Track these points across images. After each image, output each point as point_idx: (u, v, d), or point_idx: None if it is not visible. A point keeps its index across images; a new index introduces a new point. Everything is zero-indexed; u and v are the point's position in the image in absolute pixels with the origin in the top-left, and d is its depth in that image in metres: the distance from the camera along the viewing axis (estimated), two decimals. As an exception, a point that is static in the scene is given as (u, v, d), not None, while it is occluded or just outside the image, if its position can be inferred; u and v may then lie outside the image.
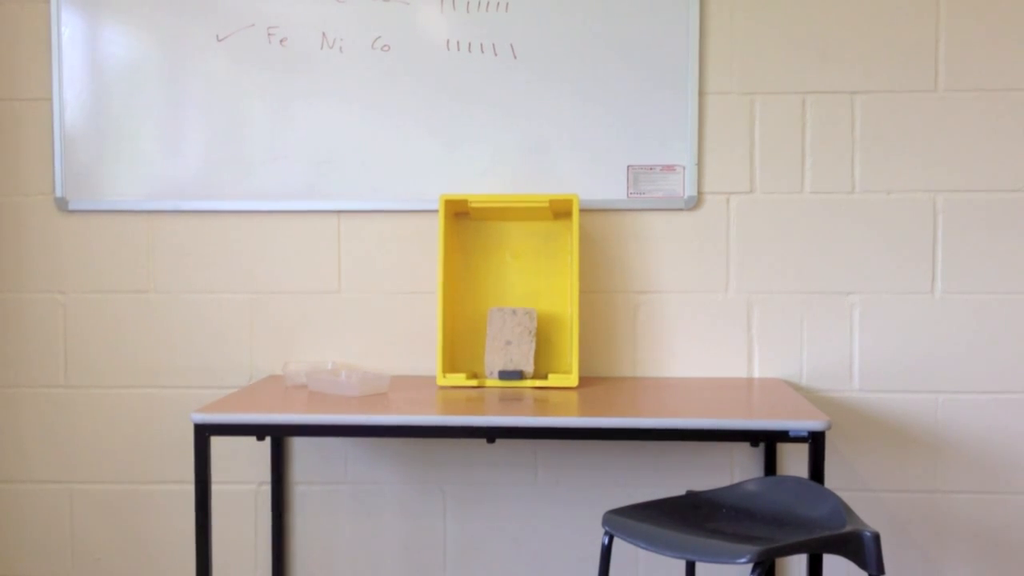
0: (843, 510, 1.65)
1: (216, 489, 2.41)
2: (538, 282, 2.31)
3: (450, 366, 2.26)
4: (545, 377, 2.24)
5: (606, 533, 1.69)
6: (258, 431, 1.84)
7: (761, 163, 2.31)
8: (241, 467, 2.40)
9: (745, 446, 2.34)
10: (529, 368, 2.18)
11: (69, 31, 2.36)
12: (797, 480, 1.79)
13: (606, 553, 1.70)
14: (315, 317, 2.38)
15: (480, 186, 2.33)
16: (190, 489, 2.42)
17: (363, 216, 2.36)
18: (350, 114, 2.33)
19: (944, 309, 2.29)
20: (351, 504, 2.39)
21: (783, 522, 1.71)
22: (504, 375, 2.17)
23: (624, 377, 2.33)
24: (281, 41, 2.33)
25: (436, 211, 2.34)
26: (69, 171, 2.38)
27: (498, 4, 2.30)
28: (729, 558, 1.46)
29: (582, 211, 2.33)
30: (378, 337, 2.38)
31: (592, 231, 2.34)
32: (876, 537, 1.53)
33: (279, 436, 2.38)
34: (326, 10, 2.32)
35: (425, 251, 2.37)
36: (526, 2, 2.30)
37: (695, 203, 2.31)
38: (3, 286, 2.42)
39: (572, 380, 2.15)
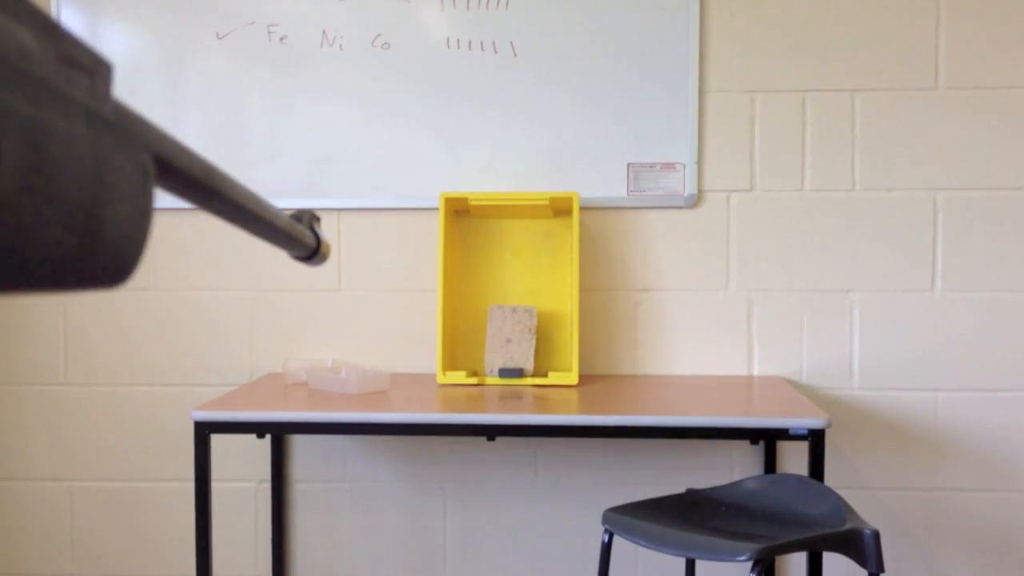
0: (843, 508, 1.65)
1: (216, 487, 2.41)
2: (538, 280, 2.31)
3: (450, 364, 2.26)
4: (545, 375, 2.24)
5: (606, 531, 1.69)
6: (258, 429, 1.84)
7: (761, 161, 2.30)
8: (241, 465, 2.40)
9: (745, 444, 2.34)
10: (529, 366, 2.18)
11: (69, 29, 2.35)
12: (797, 478, 1.79)
13: (606, 551, 1.70)
14: (315, 315, 2.38)
15: (480, 184, 2.33)
16: (190, 487, 2.42)
17: (363, 214, 2.36)
18: (350, 112, 2.33)
19: (944, 307, 2.29)
20: (351, 502, 2.39)
21: (783, 520, 1.71)
22: (504, 373, 2.17)
23: (624, 375, 2.33)
24: (281, 39, 2.33)
25: (436, 209, 2.34)
26: (69, 169, 2.37)
27: (498, 2, 2.30)
28: (729, 556, 1.46)
29: (582, 209, 2.33)
30: (378, 335, 2.38)
31: (592, 229, 2.34)
32: (876, 535, 1.53)
33: (279, 434, 2.38)
34: (326, 8, 2.32)
35: (425, 249, 2.36)
36: (526, 0, 2.29)
37: (695, 201, 2.31)
38: (3, 284, 2.41)
39: (572, 378, 2.15)
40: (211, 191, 0.47)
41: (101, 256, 0.32)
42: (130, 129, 0.35)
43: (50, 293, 0.30)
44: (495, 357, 2.19)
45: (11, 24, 0.27)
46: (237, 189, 0.51)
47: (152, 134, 0.38)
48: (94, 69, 0.32)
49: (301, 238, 0.68)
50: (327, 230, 2.37)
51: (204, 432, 1.83)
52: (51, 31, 0.29)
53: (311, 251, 0.72)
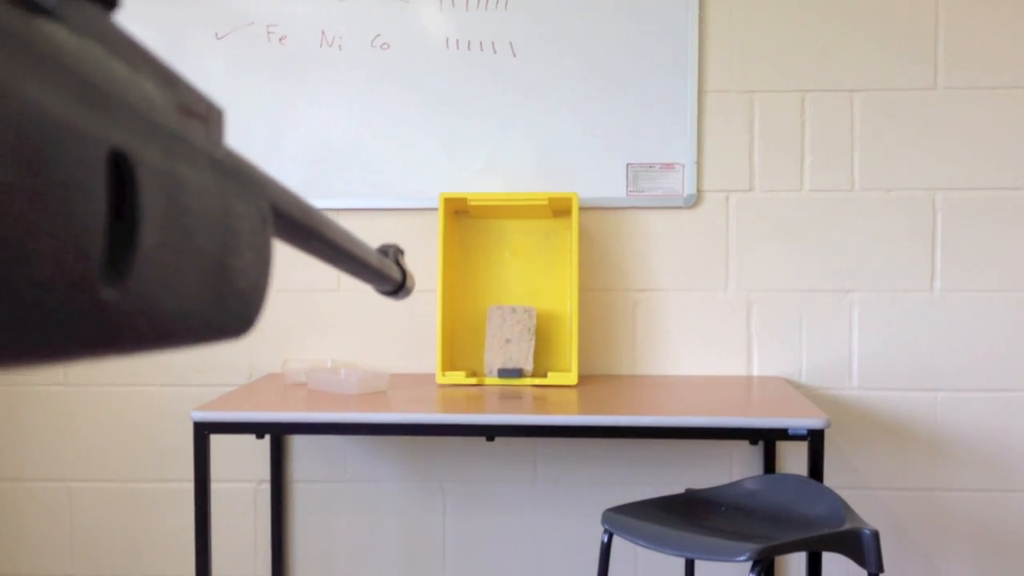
0: (842, 508, 1.65)
1: (216, 487, 2.41)
2: (537, 280, 2.31)
3: (449, 364, 2.26)
4: (544, 375, 2.24)
5: (605, 531, 1.69)
6: (257, 429, 1.84)
7: (760, 161, 2.30)
8: (241, 465, 2.40)
9: (744, 444, 2.34)
10: (528, 366, 2.18)
11: (68, 29, 2.35)
12: (796, 478, 1.79)
13: (605, 551, 1.70)
14: (314, 315, 2.38)
15: (479, 184, 2.33)
16: (190, 487, 2.42)
17: (362, 214, 2.36)
18: (349, 112, 2.33)
19: (943, 307, 2.29)
20: (351, 502, 2.39)
21: (782, 520, 1.71)
22: (503, 373, 2.17)
23: (623, 375, 2.33)
24: (280, 39, 2.33)
25: (435, 209, 2.34)
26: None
27: (497, 2, 2.30)
28: (728, 556, 1.46)
29: (581, 209, 2.33)
30: (377, 335, 2.38)
31: (591, 229, 2.34)
32: (875, 535, 1.53)
33: (278, 434, 2.38)
34: (325, 8, 2.32)
35: (424, 249, 2.37)
36: (525, 0, 2.29)
37: (694, 201, 2.31)
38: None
39: (571, 378, 2.15)
40: (312, 232, 0.47)
41: (230, 307, 0.32)
42: (247, 175, 0.34)
43: (183, 349, 0.30)
44: (494, 357, 2.19)
45: (136, 74, 0.26)
46: (334, 229, 0.50)
47: (263, 179, 0.38)
48: (208, 116, 0.31)
49: (389, 274, 0.68)
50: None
51: (203, 432, 1.83)
52: (169, 79, 0.29)
53: (397, 285, 0.72)
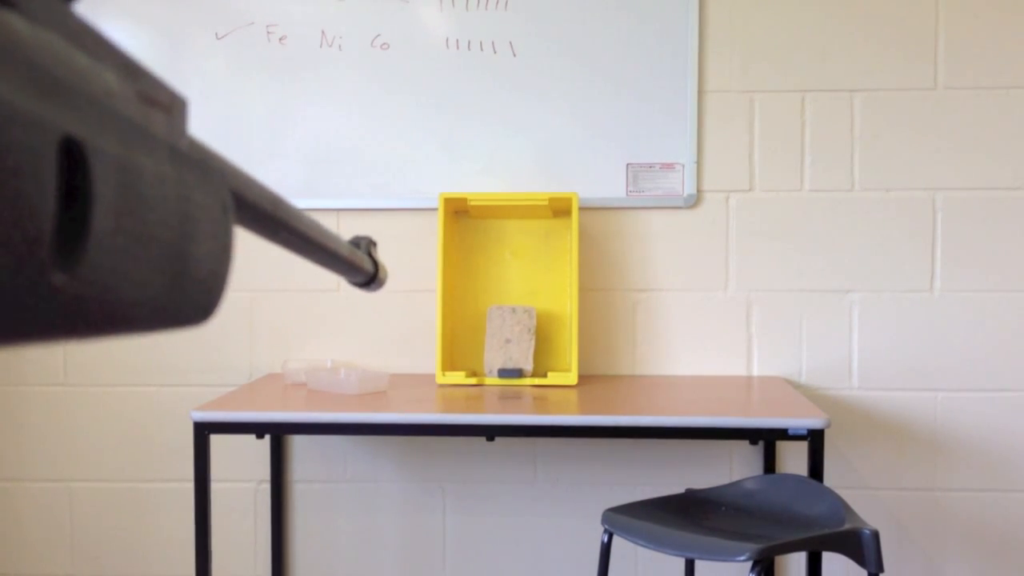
0: (842, 508, 1.65)
1: (216, 487, 2.41)
2: (537, 280, 2.31)
3: (449, 364, 2.26)
4: (544, 375, 2.24)
5: (605, 531, 1.69)
6: (257, 429, 1.84)
7: (760, 161, 2.30)
8: (241, 465, 2.40)
9: (744, 444, 2.34)
10: (528, 366, 2.18)
11: (68, 29, 2.35)
12: (796, 478, 1.79)
13: (605, 551, 1.70)
14: (314, 315, 2.38)
15: (479, 184, 2.33)
16: (190, 487, 2.42)
17: (362, 214, 2.36)
18: (349, 112, 2.33)
19: (943, 307, 2.29)
20: (350, 502, 2.39)
21: (782, 520, 1.71)
22: (503, 373, 2.17)
23: (623, 375, 2.33)
24: (280, 39, 2.33)
25: (435, 209, 2.34)
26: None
27: (497, 2, 2.30)
28: (728, 556, 1.46)
29: (581, 209, 2.33)
30: (377, 335, 2.38)
31: (591, 229, 2.34)
32: (875, 535, 1.53)
33: (279, 434, 2.38)
34: (325, 8, 2.32)
35: (424, 249, 2.37)
36: (525, 0, 2.29)
37: (694, 201, 2.31)
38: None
39: (571, 378, 2.15)
40: (279, 223, 0.47)
41: (188, 295, 0.33)
42: (209, 164, 0.35)
43: (139, 335, 0.30)
44: (494, 357, 2.19)
45: (96, 64, 0.27)
46: (302, 220, 0.51)
47: (227, 168, 0.38)
48: (171, 105, 0.32)
49: (361, 265, 0.69)
50: (326, 230, 2.37)
51: (203, 432, 1.83)
52: (131, 69, 0.29)
53: (369, 277, 0.73)
